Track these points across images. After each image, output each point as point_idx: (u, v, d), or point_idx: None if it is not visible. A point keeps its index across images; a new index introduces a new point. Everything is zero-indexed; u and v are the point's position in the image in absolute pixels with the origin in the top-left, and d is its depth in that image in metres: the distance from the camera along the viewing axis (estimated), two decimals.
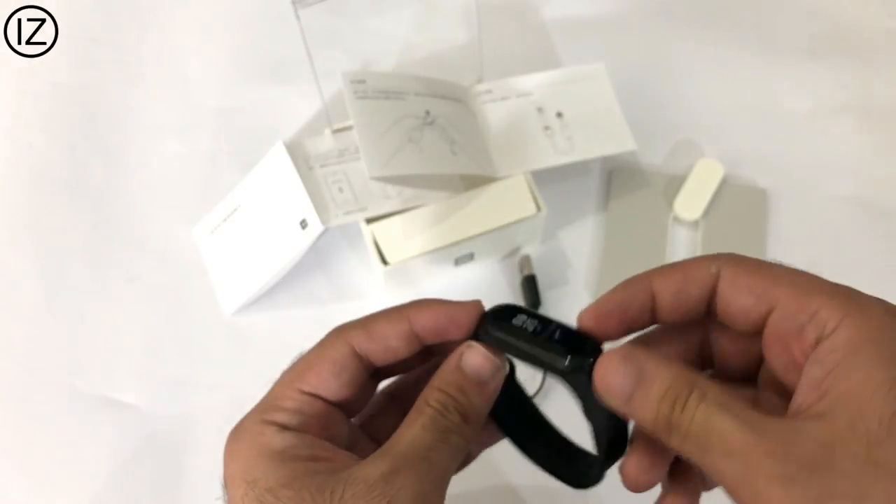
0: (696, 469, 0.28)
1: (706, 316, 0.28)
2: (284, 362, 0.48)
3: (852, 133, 0.55)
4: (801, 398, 0.23)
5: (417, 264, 0.46)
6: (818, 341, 0.23)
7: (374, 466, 0.26)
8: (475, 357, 0.28)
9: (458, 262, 0.48)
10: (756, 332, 0.26)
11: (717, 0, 0.60)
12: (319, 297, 0.50)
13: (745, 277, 0.26)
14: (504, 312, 0.29)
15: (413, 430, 0.27)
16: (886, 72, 0.57)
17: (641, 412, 0.25)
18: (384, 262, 0.45)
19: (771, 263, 0.26)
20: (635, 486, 0.27)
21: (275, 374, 0.48)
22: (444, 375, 0.28)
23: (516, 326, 0.28)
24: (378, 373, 0.30)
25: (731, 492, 0.23)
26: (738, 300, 0.26)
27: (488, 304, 0.52)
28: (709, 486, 0.29)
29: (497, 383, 0.28)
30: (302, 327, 0.49)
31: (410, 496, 0.25)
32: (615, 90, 0.50)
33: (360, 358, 0.29)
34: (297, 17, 0.43)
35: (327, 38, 0.53)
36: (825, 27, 0.59)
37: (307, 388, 0.28)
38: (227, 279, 0.49)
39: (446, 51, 0.56)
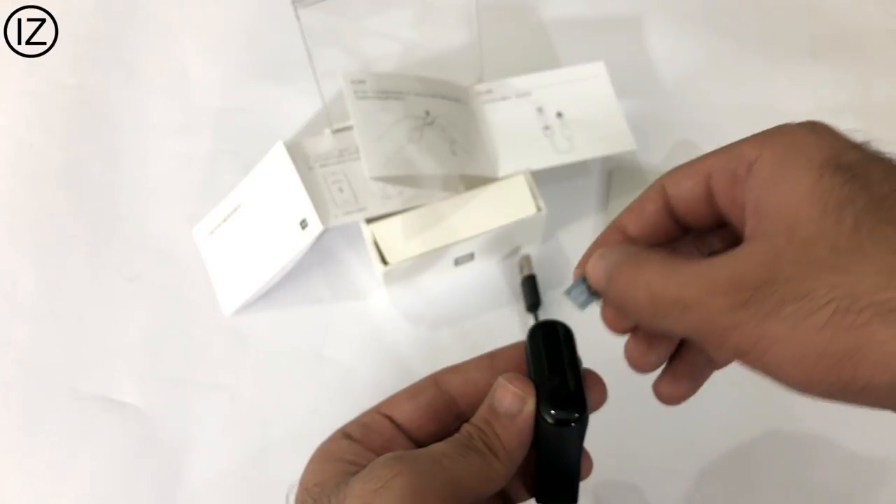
0: (699, 354, 0.29)
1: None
2: (284, 362, 0.48)
3: (852, 133, 0.55)
4: (747, 230, 0.24)
5: (417, 264, 0.46)
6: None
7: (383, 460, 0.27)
8: (502, 393, 0.29)
9: (458, 262, 0.48)
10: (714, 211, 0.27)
11: (717, 0, 0.60)
12: (319, 297, 0.50)
13: (678, 173, 0.27)
14: (549, 334, 0.30)
15: (435, 445, 0.29)
16: (886, 72, 0.57)
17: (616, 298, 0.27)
18: (384, 262, 0.45)
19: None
20: (637, 367, 0.29)
21: (274, 373, 0.48)
22: (478, 412, 0.30)
23: (539, 356, 0.30)
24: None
25: (705, 344, 0.23)
26: (681, 190, 0.27)
27: (487, 304, 0.52)
28: (717, 365, 0.30)
29: (526, 416, 0.29)
30: (302, 327, 0.49)
31: (405, 483, 0.26)
32: (615, 90, 0.50)
33: (440, 390, 0.31)
34: (297, 17, 0.43)
35: (327, 38, 0.53)
36: (825, 27, 0.59)
37: (383, 410, 0.31)
38: (227, 279, 0.49)
39: (446, 51, 0.56)
